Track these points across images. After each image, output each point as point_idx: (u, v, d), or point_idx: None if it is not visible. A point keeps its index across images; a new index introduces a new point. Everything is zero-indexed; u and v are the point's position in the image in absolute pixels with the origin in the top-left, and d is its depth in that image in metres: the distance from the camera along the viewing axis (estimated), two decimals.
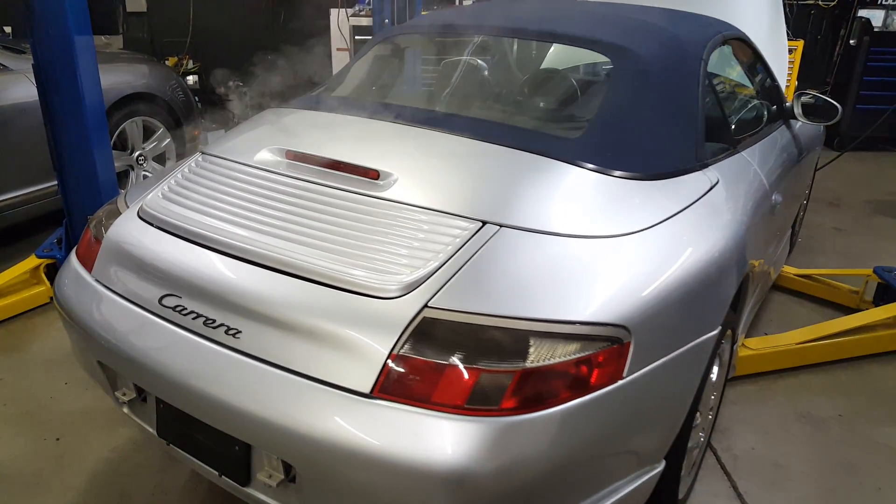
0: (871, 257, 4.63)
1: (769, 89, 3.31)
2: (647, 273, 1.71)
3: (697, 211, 2.00)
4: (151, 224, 1.93)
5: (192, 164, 2.16)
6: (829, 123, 3.23)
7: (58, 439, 2.64)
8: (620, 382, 1.58)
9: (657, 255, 1.78)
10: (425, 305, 1.53)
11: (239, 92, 6.93)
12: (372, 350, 1.50)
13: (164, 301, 1.76)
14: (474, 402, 1.45)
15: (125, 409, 1.98)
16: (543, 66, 3.16)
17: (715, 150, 2.37)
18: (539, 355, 1.48)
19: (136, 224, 1.96)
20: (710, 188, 2.13)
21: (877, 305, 3.74)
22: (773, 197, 2.68)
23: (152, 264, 1.82)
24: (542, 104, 2.47)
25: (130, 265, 1.87)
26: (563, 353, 1.50)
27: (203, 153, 2.22)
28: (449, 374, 1.46)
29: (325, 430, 1.46)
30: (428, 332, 1.50)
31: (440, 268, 1.60)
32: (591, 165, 1.91)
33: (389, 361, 1.48)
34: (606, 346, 1.55)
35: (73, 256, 2.09)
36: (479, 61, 2.73)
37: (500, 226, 1.70)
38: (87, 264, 1.99)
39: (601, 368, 1.55)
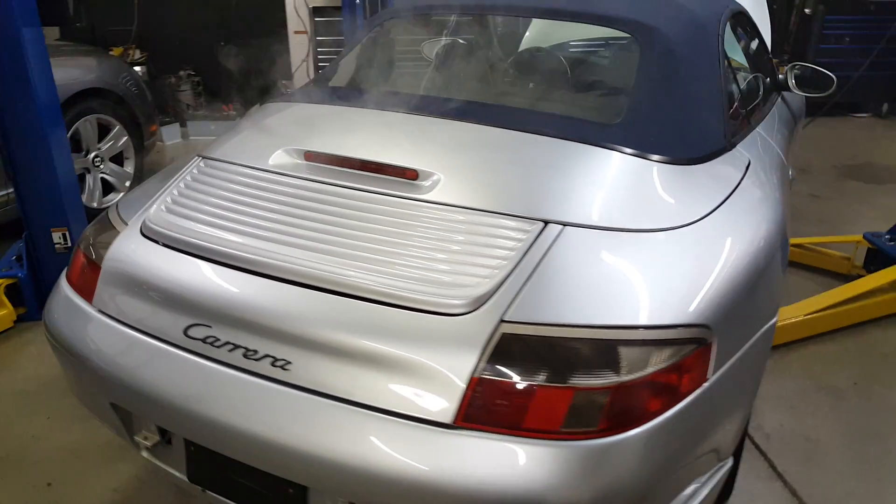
0: (850, 222, 4.68)
1: (765, 62, 3.24)
2: (717, 264, 1.59)
3: (743, 193, 1.89)
4: (160, 243, 1.70)
5: (194, 172, 1.92)
6: (825, 95, 3.18)
7: (49, 484, 2.34)
8: (706, 385, 1.46)
9: (720, 243, 1.66)
10: (501, 320, 1.37)
11: (191, 82, 6.58)
12: (450, 375, 1.34)
13: (191, 332, 1.54)
14: (571, 426, 1.31)
15: (145, 454, 1.76)
16: (524, 44, 3.00)
17: (736, 127, 2.27)
18: (632, 366, 1.35)
19: (141, 243, 1.72)
20: (747, 168, 2.03)
21: (868, 270, 3.77)
22: (790, 171, 2.61)
23: (171, 290, 1.60)
24: (569, 88, 2.30)
25: (142, 292, 1.64)
26: (656, 362, 1.37)
27: (204, 158, 1.98)
28: (540, 396, 1.32)
29: (403, 468, 1.30)
30: (509, 350, 1.35)
31: (508, 276, 1.43)
32: (638, 152, 1.77)
33: (471, 386, 1.33)
34: (694, 348, 1.43)
35: (63, 284, 1.84)
36: (493, 43, 2.55)
37: (563, 224, 1.55)
38: (85, 293, 1.75)
39: (689, 374, 1.43)
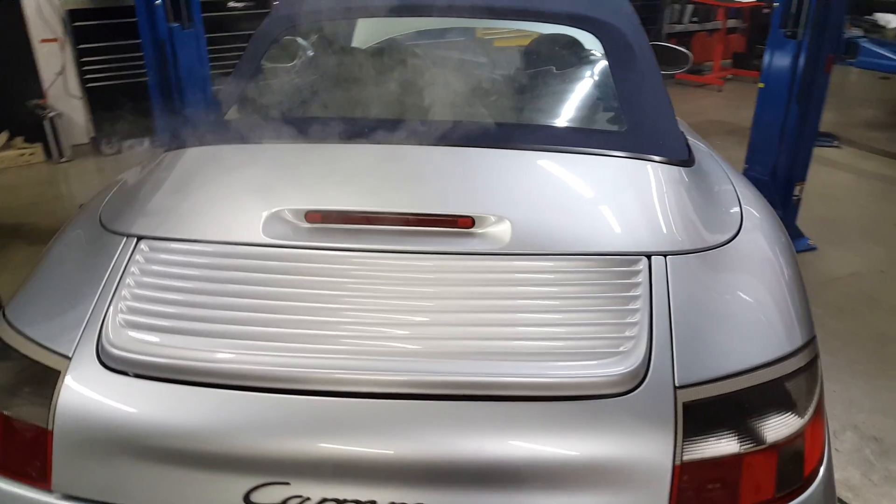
0: None
1: None
2: (782, 266, 1.51)
3: (736, 183, 1.83)
4: (141, 375, 1.15)
5: (141, 262, 1.33)
6: (681, 71, 3.33)
7: None
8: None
9: (767, 243, 1.58)
10: (675, 387, 1.14)
11: None
12: (649, 469, 1.08)
13: (256, 497, 1.08)
14: (783, 488, 1.14)
15: None
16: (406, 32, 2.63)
17: None
18: (804, 401, 1.20)
19: (110, 380, 1.15)
20: (712, 156, 1.98)
21: None
22: None
23: (200, 439, 1.11)
24: (541, 96, 2.03)
25: (140, 453, 1.12)
26: (817, 390, 1.25)
27: (145, 239, 1.39)
28: (747, 464, 1.12)
29: None
30: (698, 422, 1.12)
31: (652, 330, 1.20)
32: (666, 159, 1.59)
33: (676, 476, 1.08)
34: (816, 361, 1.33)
35: None
36: (444, 49, 2.20)
37: (664, 255, 1.34)
38: (28, 477, 1.16)
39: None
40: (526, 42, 2.41)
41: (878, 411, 2.47)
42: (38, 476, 1.15)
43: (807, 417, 1.18)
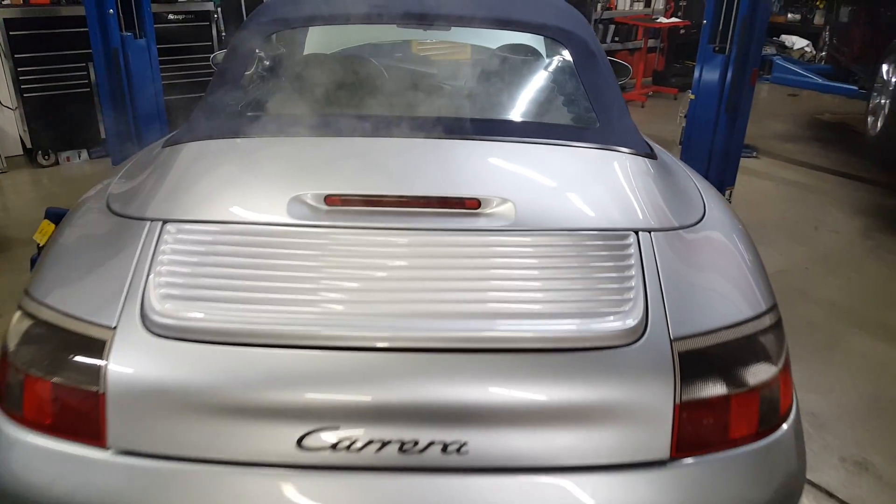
0: None
1: None
2: (744, 243, 1.70)
3: (691, 175, 2.03)
4: (189, 339, 1.25)
5: (170, 243, 1.40)
6: (623, 81, 3.56)
7: None
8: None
9: (729, 224, 1.76)
10: (672, 339, 1.30)
11: None
12: (653, 409, 1.24)
13: (308, 441, 1.19)
14: (764, 424, 1.32)
15: None
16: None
17: None
18: (777, 353, 1.39)
19: (160, 346, 1.25)
20: (666, 153, 2.17)
21: None
22: None
23: (256, 393, 1.21)
24: (515, 95, 2.18)
25: (197, 408, 1.22)
26: (783, 344, 1.43)
27: (170, 222, 1.46)
28: (735, 404, 1.29)
29: None
30: (694, 368, 1.28)
31: (647, 292, 1.36)
32: (635, 151, 1.77)
33: (676, 414, 1.24)
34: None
35: (30, 438, 1.26)
36: (416, 52, 2.31)
37: (650, 231, 1.51)
38: (82, 436, 1.24)
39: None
40: (464, 57, 2.58)
41: (812, 390, 2.71)
42: (93, 435, 1.23)
43: (780, 366, 1.36)
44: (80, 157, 5.18)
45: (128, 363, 1.24)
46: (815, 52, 8.43)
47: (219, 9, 5.59)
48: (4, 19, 4.51)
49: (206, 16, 5.46)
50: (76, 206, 1.75)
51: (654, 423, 1.24)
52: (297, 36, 2.27)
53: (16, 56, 4.64)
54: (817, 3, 9.20)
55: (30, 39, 4.69)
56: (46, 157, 4.99)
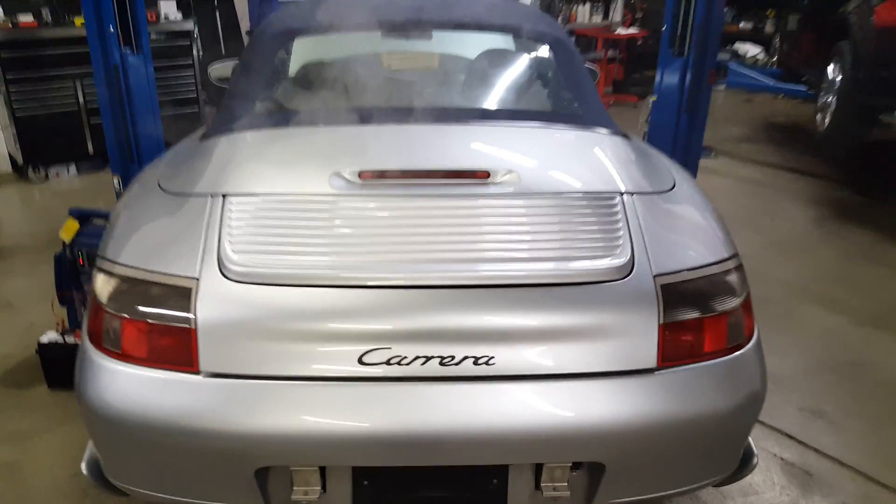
0: None
1: None
2: (709, 206, 1.98)
3: (659, 153, 2.34)
4: (264, 283, 1.53)
5: (233, 212, 1.66)
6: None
7: None
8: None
9: (696, 192, 2.05)
10: (654, 275, 1.59)
11: None
12: (642, 329, 1.54)
13: (368, 358, 1.49)
14: (732, 342, 1.63)
15: None
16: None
17: None
18: (741, 288, 1.69)
19: (241, 289, 1.52)
20: (636, 136, 2.47)
21: None
22: None
23: (324, 323, 1.51)
24: (503, 88, 2.48)
25: (275, 337, 1.50)
26: (744, 284, 1.72)
27: (230, 196, 1.71)
28: (707, 325, 1.60)
29: (632, 416, 1.51)
30: (673, 297, 1.58)
31: (632, 240, 1.65)
32: (613, 131, 2.10)
33: (661, 333, 1.55)
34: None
35: (126, 371, 1.52)
36: (420, 52, 2.59)
37: (632, 194, 1.79)
38: (178, 364, 1.51)
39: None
40: (462, 61, 2.88)
41: (772, 354, 2.87)
42: (187, 363, 1.50)
43: (743, 297, 1.67)
44: (68, 171, 5.33)
45: (212, 304, 1.51)
46: (767, 58, 8.91)
47: (196, 27, 5.80)
48: None
49: (186, 35, 5.67)
50: (129, 188, 2.06)
51: (643, 340, 1.55)
52: (307, 43, 2.54)
53: (6, 77, 4.80)
54: (768, 12, 9.73)
55: (19, 60, 4.85)
56: (37, 171, 5.13)
